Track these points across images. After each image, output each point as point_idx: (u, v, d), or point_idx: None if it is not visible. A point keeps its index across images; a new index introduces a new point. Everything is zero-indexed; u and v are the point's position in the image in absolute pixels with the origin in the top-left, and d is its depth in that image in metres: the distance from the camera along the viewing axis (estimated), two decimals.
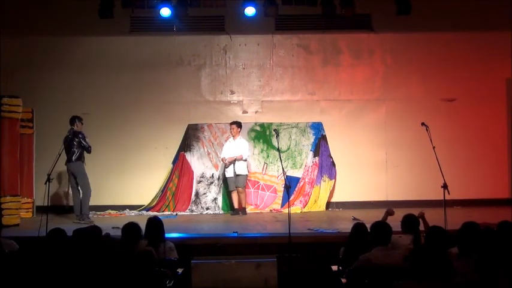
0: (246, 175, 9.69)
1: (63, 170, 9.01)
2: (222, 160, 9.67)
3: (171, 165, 10.26)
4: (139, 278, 4.55)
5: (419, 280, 3.66)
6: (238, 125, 9.70)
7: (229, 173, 9.57)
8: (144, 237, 5.35)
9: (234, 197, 9.67)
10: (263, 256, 6.39)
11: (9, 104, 8.72)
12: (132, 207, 10.10)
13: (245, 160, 9.59)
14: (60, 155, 7.49)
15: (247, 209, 9.79)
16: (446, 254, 4.32)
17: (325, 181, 10.21)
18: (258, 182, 10.23)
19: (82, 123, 8.81)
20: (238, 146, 9.58)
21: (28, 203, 9.51)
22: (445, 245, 4.59)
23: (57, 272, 4.45)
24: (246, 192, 9.87)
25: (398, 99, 10.62)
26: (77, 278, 4.42)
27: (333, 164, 10.28)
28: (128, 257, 4.71)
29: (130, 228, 5.06)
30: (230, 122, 9.84)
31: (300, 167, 10.25)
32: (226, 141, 9.93)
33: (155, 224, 5.50)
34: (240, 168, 9.51)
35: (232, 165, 9.49)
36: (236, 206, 9.63)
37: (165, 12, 9.76)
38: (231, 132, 9.74)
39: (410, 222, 5.32)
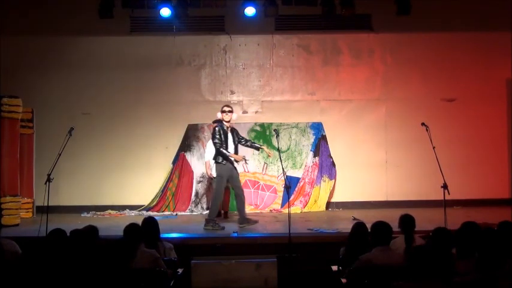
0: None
1: (63, 170, 8.91)
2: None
3: (171, 165, 10.26)
4: (142, 278, 4.56)
5: (419, 280, 3.66)
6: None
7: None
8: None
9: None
10: (263, 256, 6.38)
11: (9, 104, 8.73)
12: (132, 207, 10.09)
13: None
14: (60, 154, 7.39)
15: (246, 209, 9.76)
16: (450, 255, 4.32)
17: (325, 181, 10.21)
18: (258, 182, 10.23)
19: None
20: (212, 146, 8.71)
21: (28, 203, 9.50)
22: (450, 246, 4.58)
23: (58, 272, 4.45)
24: (246, 192, 9.80)
25: (398, 99, 10.61)
26: (77, 278, 4.42)
27: (333, 164, 10.28)
28: (131, 257, 4.72)
29: (133, 229, 5.07)
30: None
31: (300, 167, 10.25)
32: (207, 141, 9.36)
33: (151, 224, 5.49)
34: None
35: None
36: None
37: (165, 12, 9.79)
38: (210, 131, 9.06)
39: (407, 222, 5.31)
